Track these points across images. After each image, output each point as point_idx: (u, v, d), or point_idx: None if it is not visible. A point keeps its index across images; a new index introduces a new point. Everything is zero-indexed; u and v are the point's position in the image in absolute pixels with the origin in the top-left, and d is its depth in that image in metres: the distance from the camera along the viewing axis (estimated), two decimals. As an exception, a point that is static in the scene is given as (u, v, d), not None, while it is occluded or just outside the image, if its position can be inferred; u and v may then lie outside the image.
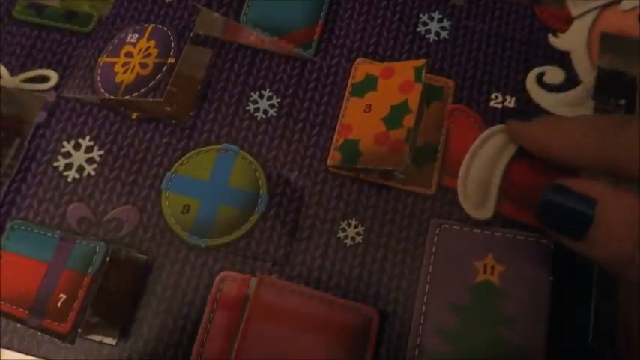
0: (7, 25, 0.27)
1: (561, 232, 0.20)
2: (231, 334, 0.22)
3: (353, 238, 0.24)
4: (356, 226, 0.24)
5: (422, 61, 0.25)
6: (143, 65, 0.25)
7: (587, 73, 0.26)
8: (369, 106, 0.25)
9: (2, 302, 0.22)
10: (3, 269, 0.23)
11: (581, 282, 0.22)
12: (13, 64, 0.26)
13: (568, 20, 0.27)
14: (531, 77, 0.26)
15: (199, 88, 0.26)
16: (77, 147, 0.25)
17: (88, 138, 0.25)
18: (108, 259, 0.23)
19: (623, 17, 0.27)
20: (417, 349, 0.22)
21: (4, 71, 0.26)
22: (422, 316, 0.23)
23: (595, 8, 0.27)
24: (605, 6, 0.28)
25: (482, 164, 0.25)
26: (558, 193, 0.20)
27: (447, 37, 0.27)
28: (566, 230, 0.20)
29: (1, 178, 0.24)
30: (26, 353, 0.22)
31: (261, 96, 0.26)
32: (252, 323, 0.22)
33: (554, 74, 0.26)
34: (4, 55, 0.26)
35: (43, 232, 0.23)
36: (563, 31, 0.27)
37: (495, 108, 0.26)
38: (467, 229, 0.24)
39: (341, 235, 0.24)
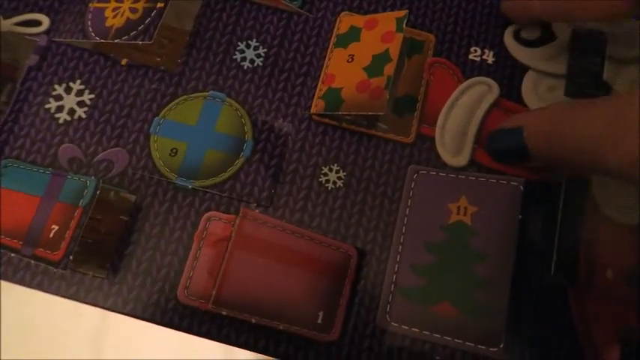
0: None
1: (513, 163, 0.24)
2: (217, 269, 0.23)
3: (334, 183, 0.25)
4: (337, 171, 0.25)
5: (403, 12, 0.26)
6: (133, 10, 0.26)
7: (562, 30, 0.27)
8: (352, 56, 0.26)
9: (-4, 234, 0.23)
10: (-3, 204, 0.24)
11: (547, 221, 0.23)
12: (5, 7, 0.27)
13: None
14: (509, 32, 0.27)
15: (187, 39, 0.26)
16: (68, 90, 0.26)
17: (78, 82, 0.26)
18: (98, 192, 0.24)
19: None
20: (392, 285, 0.24)
21: (-3, 15, 0.26)
22: (398, 255, 0.24)
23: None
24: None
25: (459, 114, 0.26)
26: (494, 139, 0.24)
27: (429, -7, 0.28)
28: (514, 160, 0.24)
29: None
30: (20, 284, 0.23)
31: (248, 46, 0.27)
32: (235, 253, 0.23)
33: (531, 30, 0.27)
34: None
35: (35, 169, 0.24)
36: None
37: (474, 61, 0.27)
38: (443, 174, 0.25)
39: (323, 179, 0.25)
